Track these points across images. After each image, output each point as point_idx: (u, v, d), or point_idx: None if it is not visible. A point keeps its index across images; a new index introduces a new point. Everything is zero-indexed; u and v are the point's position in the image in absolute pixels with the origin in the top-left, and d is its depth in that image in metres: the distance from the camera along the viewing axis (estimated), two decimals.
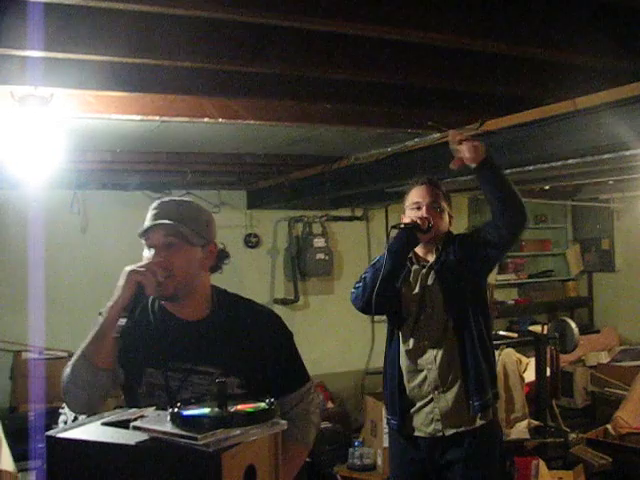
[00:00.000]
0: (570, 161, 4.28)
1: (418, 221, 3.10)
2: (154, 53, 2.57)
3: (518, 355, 5.98)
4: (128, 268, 2.13)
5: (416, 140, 4.53)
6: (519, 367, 5.88)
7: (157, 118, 3.48)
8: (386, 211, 7.77)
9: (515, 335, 6.25)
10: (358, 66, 2.92)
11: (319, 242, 7.32)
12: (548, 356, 5.77)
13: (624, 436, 5.52)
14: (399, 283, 3.20)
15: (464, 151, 3.09)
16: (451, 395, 3.15)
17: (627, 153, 4.00)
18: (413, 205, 3.20)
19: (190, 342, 2.20)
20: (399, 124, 4.05)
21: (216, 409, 1.37)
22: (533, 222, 9.00)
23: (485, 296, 3.29)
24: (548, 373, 5.76)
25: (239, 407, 1.39)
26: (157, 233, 2.17)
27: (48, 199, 5.72)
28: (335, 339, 7.53)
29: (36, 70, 2.68)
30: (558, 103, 3.51)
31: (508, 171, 4.62)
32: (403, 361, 3.23)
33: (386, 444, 5.02)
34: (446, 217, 3.25)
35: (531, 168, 4.58)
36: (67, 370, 2.16)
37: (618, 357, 7.52)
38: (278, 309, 7.39)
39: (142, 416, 1.44)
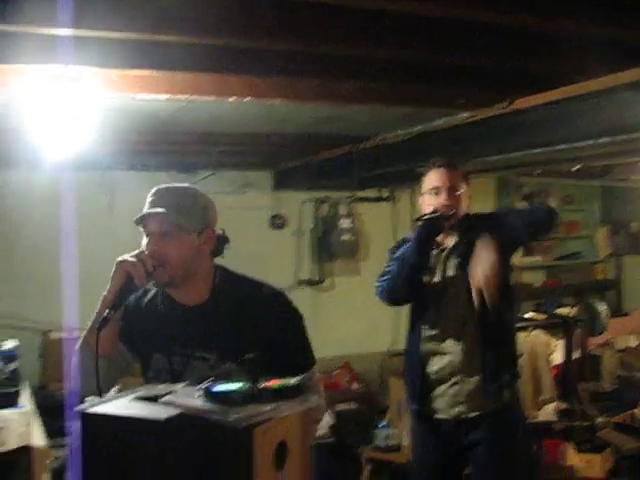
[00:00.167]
0: (602, 140, 4.20)
1: (441, 209, 3.05)
2: (181, 30, 2.55)
3: (546, 337, 5.93)
4: (119, 258, 2.15)
5: (444, 119, 4.48)
6: (547, 349, 5.83)
7: (183, 97, 3.46)
8: (412, 192, 7.71)
9: (543, 317, 6.21)
10: (387, 43, 2.88)
11: (345, 223, 7.29)
12: (576, 339, 5.72)
13: None
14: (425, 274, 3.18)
15: None
16: (474, 378, 3.13)
17: None
18: (432, 190, 3.15)
19: (190, 328, 2.23)
20: (427, 102, 4.01)
21: (247, 385, 1.36)
22: (561, 204, 8.91)
23: (509, 278, 3.26)
24: (576, 356, 5.72)
25: (270, 383, 1.38)
26: (152, 221, 2.19)
27: (75, 180, 5.74)
28: (360, 320, 7.51)
29: (64, 48, 2.67)
30: (590, 80, 3.45)
31: (538, 150, 4.57)
32: (426, 346, 3.20)
33: None
34: (466, 200, 3.19)
35: (562, 147, 4.50)
36: (74, 357, 2.22)
37: None
38: (303, 290, 7.39)
39: (172, 391, 1.44)
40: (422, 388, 3.20)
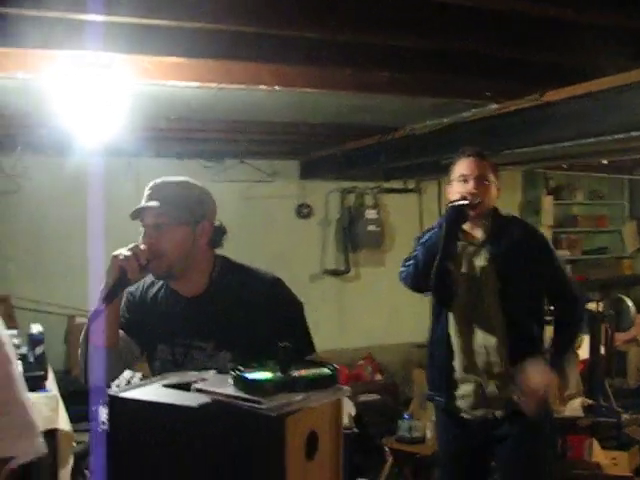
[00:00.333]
0: (633, 133, 4.15)
1: (468, 197, 3.03)
2: (211, 18, 2.55)
3: None
4: (114, 252, 2.17)
5: (473, 111, 4.46)
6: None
7: (213, 85, 3.46)
8: (439, 184, 7.68)
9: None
10: (418, 33, 2.86)
11: (371, 214, 7.29)
12: (603, 334, 5.67)
13: None
14: (451, 262, 3.14)
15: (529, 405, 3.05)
16: (501, 378, 3.08)
17: None
18: (460, 178, 3.12)
19: (189, 318, 2.27)
20: (457, 93, 3.98)
21: (279, 373, 1.36)
22: (589, 198, 8.84)
23: (541, 280, 3.24)
24: (602, 351, 5.67)
25: (302, 372, 1.37)
26: (147, 215, 2.21)
27: (103, 166, 5.77)
28: (385, 311, 7.51)
29: (95, 35, 2.67)
30: (622, 73, 3.41)
31: (568, 143, 4.52)
32: (452, 340, 3.15)
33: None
34: (494, 190, 3.15)
35: (592, 140, 4.46)
36: (79, 348, 2.29)
37: None
38: (328, 280, 7.40)
39: (204, 378, 1.44)
40: (448, 383, 3.17)
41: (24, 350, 4.23)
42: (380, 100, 4.19)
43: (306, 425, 1.33)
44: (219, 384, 1.37)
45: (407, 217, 7.69)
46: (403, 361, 7.36)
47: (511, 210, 3.33)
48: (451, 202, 3.07)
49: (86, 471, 4.36)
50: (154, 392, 1.43)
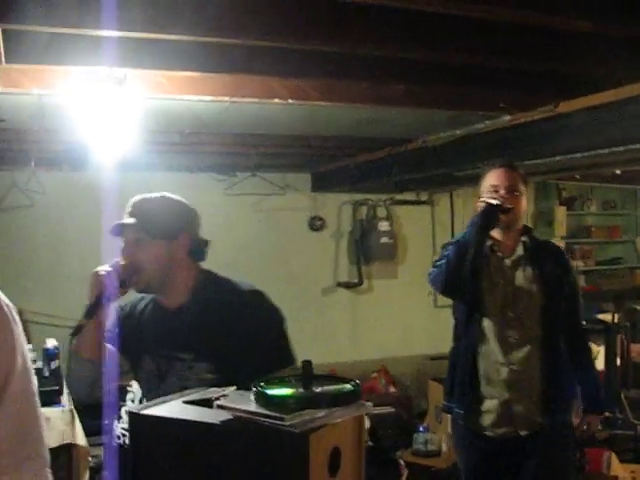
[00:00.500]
0: None
1: (499, 200, 3.02)
2: (225, 32, 2.55)
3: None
4: (95, 269, 2.25)
5: (486, 123, 4.45)
6: None
7: (227, 99, 3.47)
8: (451, 196, 7.68)
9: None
10: (431, 46, 2.86)
11: (383, 226, 7.28)
12: (618, 345, 5.64)
13: None
14: (481, 265, 3.11)
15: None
16: (530, 397, 3.05)
17: None
18: (490, 188, 3.11)
19: (171, 329, 2.32)
20: (470, 105, 3.98)
21: (301, 389, 1.35)
22: (602, 208, 8.81)
23: (578, 296, 3.26)
24: (618, 363, 5.63)
25: (324, 388, 1.36)
26: (125, 231, 2.30)
27: (116, 180, 5.78)
28: (398, 323, 7.49)
29: (110, 50, 2.69)
30: (635, 84, 3.40)
31: (582, 154, 4.51)
32: (484, 353, 3.10)
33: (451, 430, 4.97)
34: (524, 201, 3.16)
35: (606, 151, 4.45)
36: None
37: None
38: (341, 293, 7.39)
39: (225, 395, 1.43)
40: (471, 397, 3.11)
41: (39, 364, 4.24)
42: (393, 112, 4.19)
43: (329, 441, 1.32)
44: (241, 400, 1.36)
45: (420, 229, 7.69)
46: (417, 373, 7.33)
47: (524, 221, 3.32)
48: (484, 201, 3.05)
49: None
50: (175, 408, 1.43)
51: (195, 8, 2.44)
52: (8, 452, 1.33)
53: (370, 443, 5.54)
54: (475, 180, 6.10)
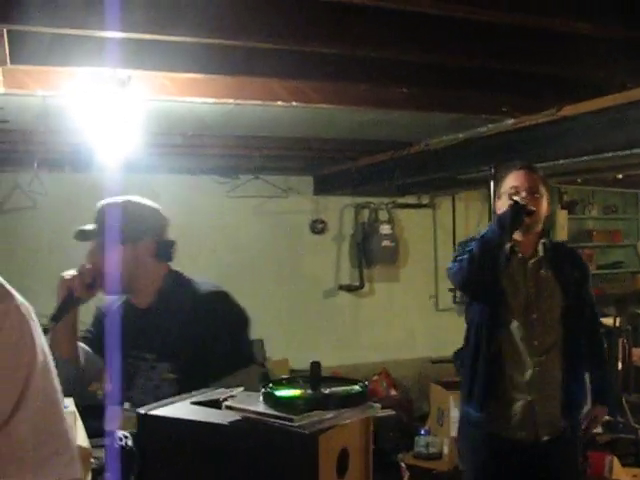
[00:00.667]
0: None
1: (524, 202, 3.01)
2: (228, 34, 2.56)
3: None
4: (62, 273, 2.30)
5: (489, 126, 4.46)
6: None
7: (231, 101, 3.48)
8: (453, 199, 7.69)
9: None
10: (433, 49, 2.86)
11: (385, 229, 7.28)
12: (620, 349, 5.64)
13: None
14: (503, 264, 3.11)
15: None
16: (553, 400, 3.04)
17: None
18: (511, 190, 3.10)
19: (138, 330, 2.36)
20: (473, 109, 3.99)
21: (309, 390, 1.35)
22: (603, 212, 8.81)
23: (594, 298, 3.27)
24: (619, 367, 5.63)
25: (333, 389, 1.36)
26: (90, 236, 2.36)
27: (119, 182, 5.78)
28: (399, 327, 7.50)
29: (114, 52, 2.69)
30: (638, 88, 3.40)
31: (585, 158, 4.51)
32: (508, 355, 3.06)
33: (453, 433, 4.96)
34: (545, 203, 3.13)
35: (609, 155, 4.46)
36: None
37: None
38: (343, 296, 7.39)
39: (232, 396, 1.43)
40: (496, 400, 3.07)
41: None
42: (395, 115, 4.20)
43: (338, 443, 1.32)
44: (249, 401, 1.36)
45: (421, 232, 7.70)
46: (418, 376, 7.33)
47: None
48: (511, 198, 3.03)
49: None
50: (183, 409, 1.43)
51: (197, 10, 2.45)
52: (33, 449, 1.33)
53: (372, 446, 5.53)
54: (477, 183, 6.16)
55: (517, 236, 3.11)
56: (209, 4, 2.46)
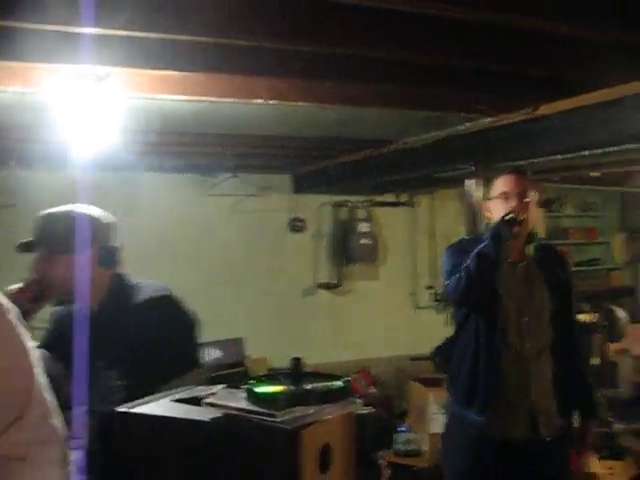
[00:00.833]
0: (626, 146, 4.19)
1: (514, 213, 3.02)
2: (205, 32, 2.55)
3: None
4: (7, 288, 2.31)
5: (466, 124, 4.47)
6: None
7: (209, 99, 3.46)
8: (432, 197, 7.72)
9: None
10: (410, 46, 2.87)
11: (364, 227, 7.29)
12: (596, 345, 5.69)
13: None
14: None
15: None
16: (549, 400, 3.06)
17: None
18: (501, 195, 3.11)
19: (87, 336, 2.31)
20: (449, 107, 3.99)
21: (291, 386, 1.35)
22: (579, 210, 8.89)
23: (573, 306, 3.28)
24: (595, 362, 5.68)
25: (315, 385, 1.37)
26: (32, 248, 2.39)
27: (96, 180, 5.74)
28: (378, 324, 7.51)
29: (91, 48, 2.67)
30: (615, 87, 3.43)
31: (562, 156, 4.55)
32: (505, 358, 3.07)
33: (433, 430, 4.99)
34: (534, 207, 3.15)
35: (586, 153, 4.49)
36: None
37: None
38: (322, 294, 7.40)
39: (214, 393, 1.43)
40: (493, 402, 3.06)
41: None
42: (373, 113, 4.20)
43: (320, 438, 1.32)
44: (231, 398, 1.36)
45: (400, 230, 7.72)
46: (397, 374, 7.35)
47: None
48: (505, 215, 3.05)
49: None
50: (164, 407, 1.43)
51: (175, 7, 2.44)
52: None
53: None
54: (455, 182, 6.18)
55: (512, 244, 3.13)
56: (188, 2, 2.45)
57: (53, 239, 2.33)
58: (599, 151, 4.47)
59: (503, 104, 3.93)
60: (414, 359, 7.05)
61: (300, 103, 3.57)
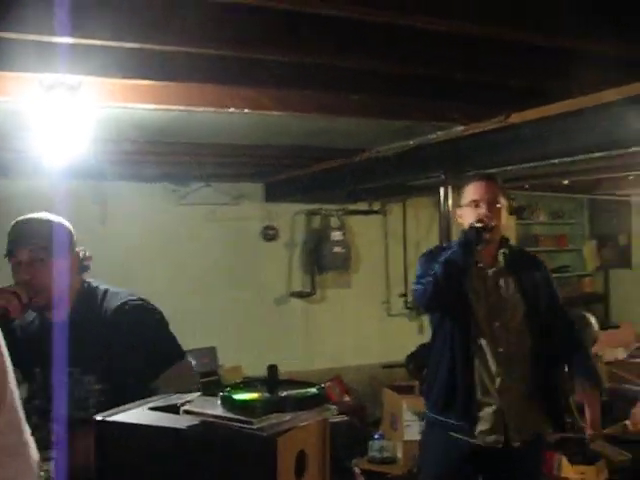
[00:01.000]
0: (596, 154, 4.25)
1: (485, 220, 3.04)
2: (179, 41, 2.56)
3: None
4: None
5: (439, 133, 4.50)
6: None
7: (182, 108, 3.46)
8: (404, 205, 7.76)
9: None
10: (384, 56, 2.89)
11: (336, 235, 7.32)
12: None
13: None
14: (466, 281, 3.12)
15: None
16: (523, 406, 3.07)
17: None
18: (471, 203, 3.14)
19: (59, 343, 2.32)
20: (423, 116, 4.02)
21: (266, 394, 1.36)
22: (550, 217, 8.99)
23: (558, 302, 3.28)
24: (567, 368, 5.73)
25: (290, 392, 1.38)
26: (24, 252, 2.30)
27: (68, 189, 5.71)
28: (351, 332, 7.53)
29: (63, 57, 2.67)
30: (584, 96, 3.48)
31: (533, 164, 4.61)
32: (478, 364, 3.08)
33: (407, 437, 5.00)
34: (505, 213, 3.16)
35: (556, 161, 4.56)
36: None
37: (636, 353, 7.46)
38: (295, 302, 7.41)
39: (190, 400, 1.44)
40: (468, 406, 3.07)
41: None
42: (346, 122, 4.21)
43: (296, 444, 1.33)
44: (207, 405, 1.37)
45: (372, 239, 7.76)
46: (370, 381, 7.36)
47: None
48: (473, 223, 3.07)
49: None
50: (141, 415, 1.43)
51: (148, 17, 2.44)
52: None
53: None
54: (427, 190, 6.22)
55: (478, 247, 3.16)
56: (159, 11, 2.45)
57: (47, 243, 2.29)
58: (568, 159, 4.53)
59: (476, 113, 3.97)
60: (386, 367, 7.08)
61: (273, 112, 3.59)
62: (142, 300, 2.44)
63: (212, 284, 6.84)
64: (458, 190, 3.38)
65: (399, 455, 5.13)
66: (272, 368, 1.38)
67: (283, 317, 7.32)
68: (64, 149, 3.46)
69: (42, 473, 3.69)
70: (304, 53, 2.77)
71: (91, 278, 2.52)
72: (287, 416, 1.30)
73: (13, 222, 2.38)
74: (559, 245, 9.04)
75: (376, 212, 7.76)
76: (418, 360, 3.64)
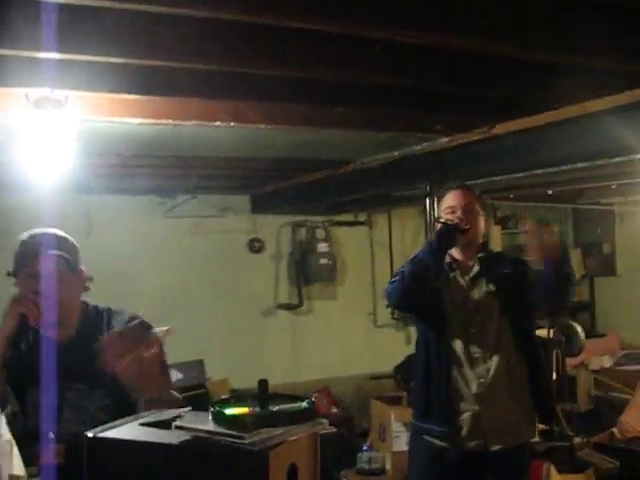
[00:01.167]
0: (579, 165, 4.29)
1: (456, 220, 3.08)
2: (165, 56, 2.57)
3: None
4: (14, 297, 2.22)
5: (423, 144, 4.53)
6: None
7: (168, 121, 3.47)
8: (389, 216, 7.78)
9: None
10: (368, 69, 2.92)
11: (322, 247, 7.32)
12: (554, 360, 5.77)
13: (630, 440, 5.51)
14: (438, 283, 3.14)
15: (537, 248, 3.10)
16: (501, 411, 3.09)
17: (638, 157, 3.99)
18: (448, 209, 3.18)
19: (63, 362, 2.27)
20: (407, 128, 4.05)
21: (257, 408, 1.37)
22: None
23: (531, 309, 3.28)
24: (554, 377, 5.76)
25: (281, 406, 1.39)
26: (44, 262, 2.23)
27: (53, 203, 5.69)
28: (338, 344, 7.53)
29: (50, 72, 2.68)
30: (567, 107, 3.52)
31: (519, 175, 4.64)
32: (455, 370, 3.12)
33: (395, 448, 5.01)
34: (481, 221, 3.22)
35: (539, 172, 4.59)
36: None
37: (621, 361, 7.51)
38: (282, 314, 7.40)
39: (181, 416, 1.44)
40: (449, 412, 3.10)
41: None
42: (331, 134, 4.23)
43: (287, 458, 1.34)
44: (198, 421, 1.37)
45: (358, 250, 7.77)
46: (357, 393, 7.37)
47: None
48: (440, 217, 3.11)
49: None
50: (133, 431, 1.43)
51: (135, 32, 2.46)
52: None
53: None
54: (413, 200, 6.25)
55: (456, 254, 3.19)
56: (144, 27, 2.47)
57: (66, 256, 2.25)
58: (552, 170, 4.57)
59: (460, 124, 4.01)
60: (374, 378, 7.08)
61: (258, 125, 3.61)
62: (144, 321, 2.44)
63: (199, 297, 6.83)
64: (439, 200, 3.41)
65: (388, 466, 5.13)
66: (262, 383, 1.39)
67: (270, 329, 7.31)
68: (51, 163, 3.45)
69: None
70: (288, 67, 2.80)
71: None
72: (278, 430, 1.31)
73: (24, 236, 2.31)
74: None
75: (362, 223, 7.77)
76: (405, 371, 3.65)
